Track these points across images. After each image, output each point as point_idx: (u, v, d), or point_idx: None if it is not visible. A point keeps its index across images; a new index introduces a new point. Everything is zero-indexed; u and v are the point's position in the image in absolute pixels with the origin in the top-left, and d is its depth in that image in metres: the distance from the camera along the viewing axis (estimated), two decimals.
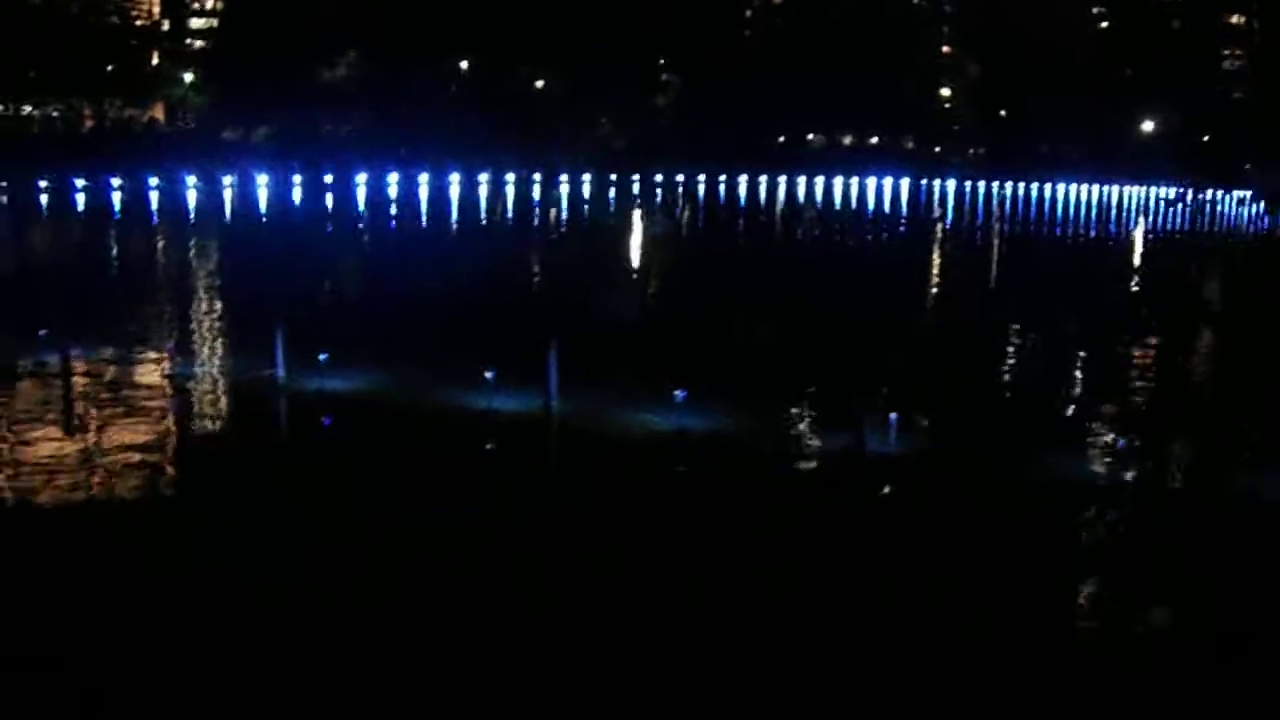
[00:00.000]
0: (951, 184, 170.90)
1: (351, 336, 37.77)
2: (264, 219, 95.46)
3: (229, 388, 33.22)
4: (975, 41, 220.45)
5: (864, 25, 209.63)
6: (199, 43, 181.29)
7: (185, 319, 44.80)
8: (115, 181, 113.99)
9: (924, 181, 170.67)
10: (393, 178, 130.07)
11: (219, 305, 49.46)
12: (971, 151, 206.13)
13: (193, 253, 70.97)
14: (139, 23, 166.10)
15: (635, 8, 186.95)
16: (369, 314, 46.08)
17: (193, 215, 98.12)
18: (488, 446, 28.24)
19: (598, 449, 27.80)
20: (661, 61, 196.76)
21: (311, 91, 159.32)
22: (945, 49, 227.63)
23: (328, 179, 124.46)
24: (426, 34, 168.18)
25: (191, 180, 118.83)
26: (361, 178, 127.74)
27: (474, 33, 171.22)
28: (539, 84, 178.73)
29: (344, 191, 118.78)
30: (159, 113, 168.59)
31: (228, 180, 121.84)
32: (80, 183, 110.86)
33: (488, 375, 30.56)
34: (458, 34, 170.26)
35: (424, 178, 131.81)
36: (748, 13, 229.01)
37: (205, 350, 38.15)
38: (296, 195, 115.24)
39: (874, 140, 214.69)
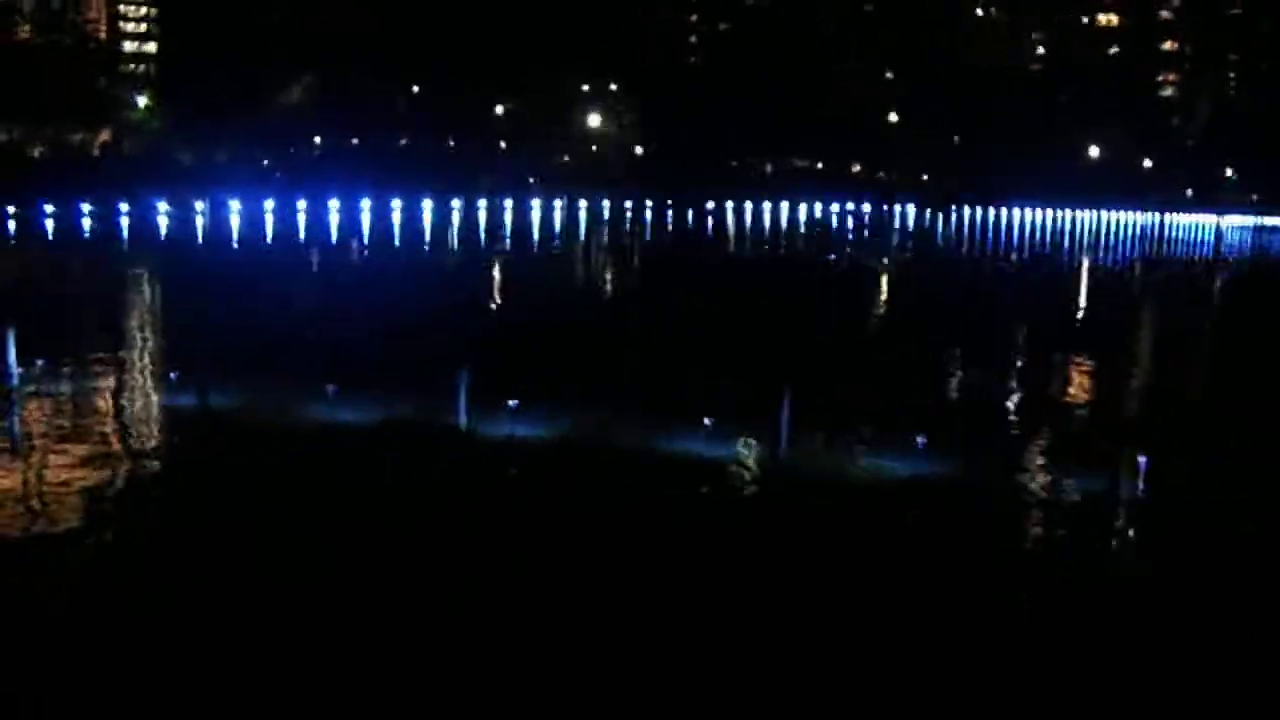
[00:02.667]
0: (911, 209, 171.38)
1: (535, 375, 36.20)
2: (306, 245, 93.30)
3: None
4: (916, 68, 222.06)
5: (810, 52, 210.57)
6: (148, 65, 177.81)
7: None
8: (85, 208, 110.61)
9: (885, 207, 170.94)
10: (366, 203, 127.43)
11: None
12: (924, 177, 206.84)
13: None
14: (91, 46, 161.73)
15: (583, 37, 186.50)
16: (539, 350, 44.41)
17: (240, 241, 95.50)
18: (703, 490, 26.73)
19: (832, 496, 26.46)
20: (613, 88, 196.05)
21: (269, 115, 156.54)
22: (889, 75, 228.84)
23: (300, 204, 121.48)
24: (382, 58, 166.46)
25: (163, 206, 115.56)
26: (334, 204, 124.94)
27: (430, 57, 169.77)
28: (499, 109, 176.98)
29: (348, 218, 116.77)
30: (106, 136, 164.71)
31: (199, 206, 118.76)
32: (49, 209, 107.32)
33: (706, 421, 29.08)
34: (414, 57, 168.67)
35: (397, 203, 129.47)
36: (692, 38, 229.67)
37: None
38: (332, 220, 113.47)
39: (819, 165, 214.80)
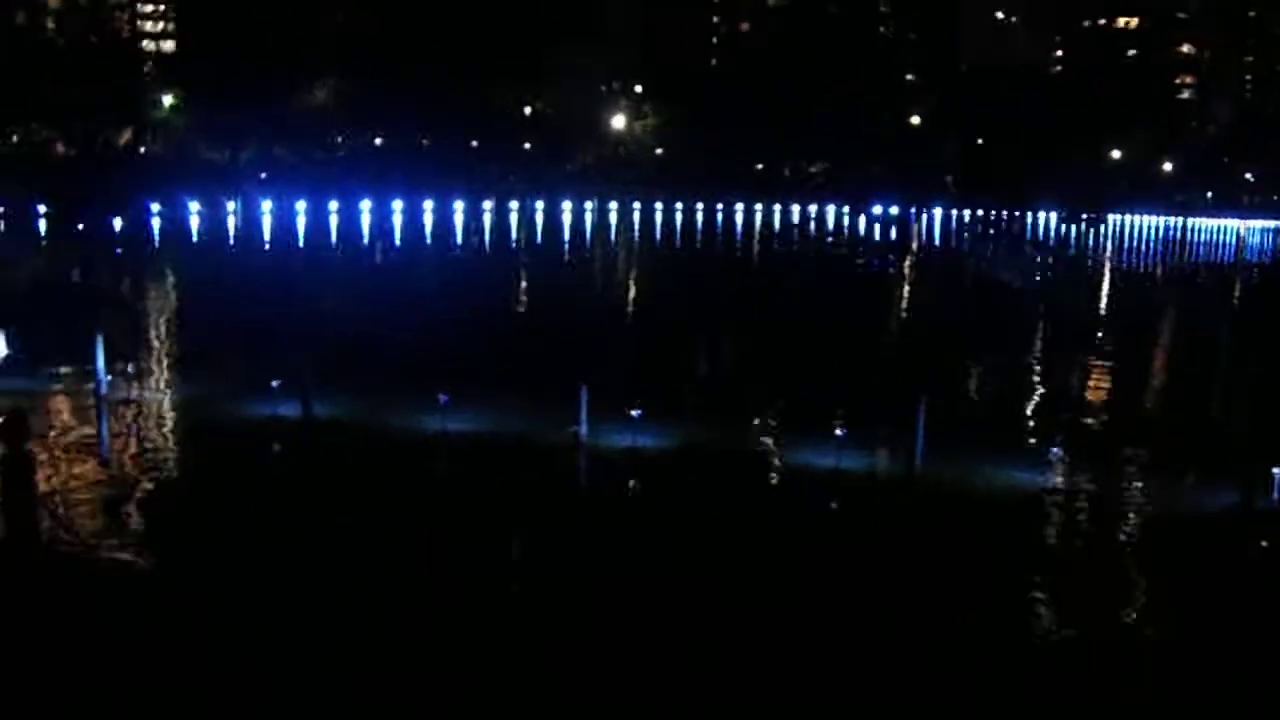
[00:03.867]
0: (938, 211, 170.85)
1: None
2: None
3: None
4: (939, 71, 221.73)
5: (831, 53, 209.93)
6: (169, 64, 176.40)
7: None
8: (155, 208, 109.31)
9: (912, 209, 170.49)
10: (397, 204, 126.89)
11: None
12: (949, 179, 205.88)
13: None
14: (117, 46, 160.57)
15: (608, 37, 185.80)
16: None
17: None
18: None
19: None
20: (639, 89, 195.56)
21: (293, 114, 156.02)
22: (909, 77, 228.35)
23: (332, 205, 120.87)
24: (405, 57, 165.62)
25: (195, 206, 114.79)
26: (366, 204, 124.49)
27: (451, 56, 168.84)
28: (527, 110, 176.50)
29: (399, 220, 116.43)
30: (128, 136, 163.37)
31: (231, 206, 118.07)
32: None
33: (838, 432, 28.71)
34: (436, 57, 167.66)
35: (429, 204, 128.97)
36: (714, 39, 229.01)
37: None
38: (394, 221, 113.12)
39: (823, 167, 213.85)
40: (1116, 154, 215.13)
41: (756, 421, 32.93)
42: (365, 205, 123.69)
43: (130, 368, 38.26)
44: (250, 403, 33.14)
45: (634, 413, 30.04)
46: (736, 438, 30.86)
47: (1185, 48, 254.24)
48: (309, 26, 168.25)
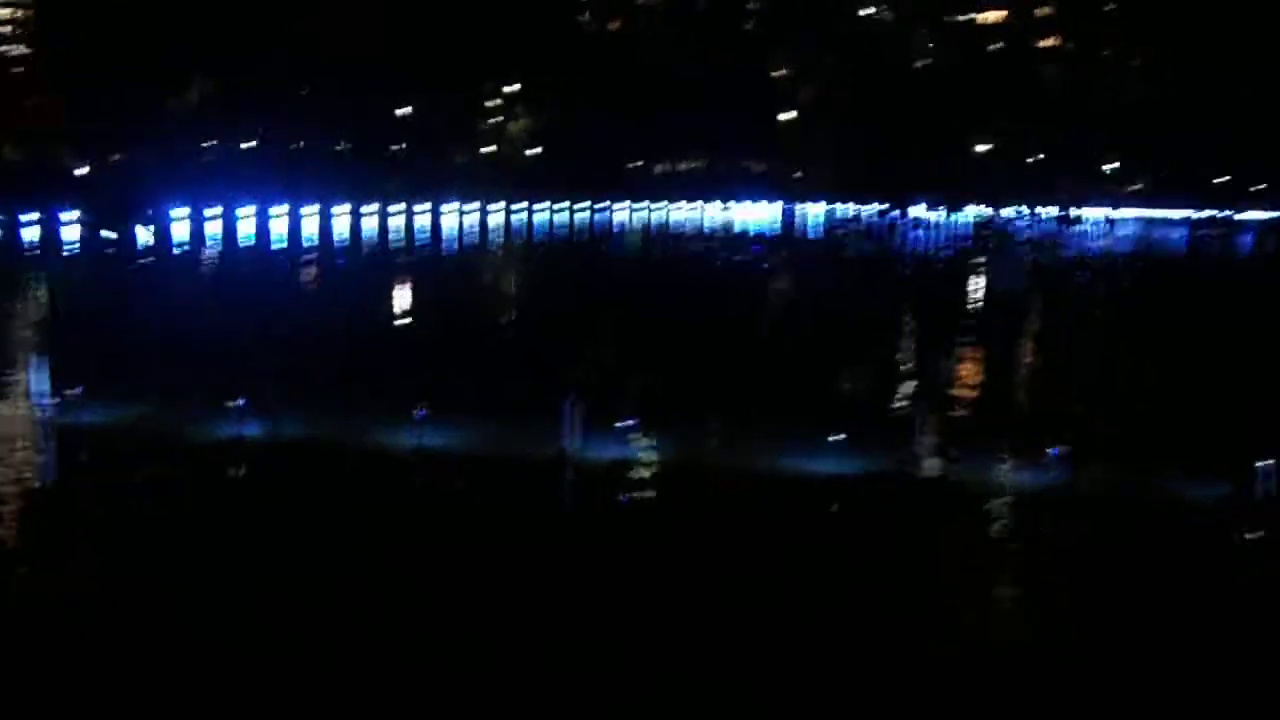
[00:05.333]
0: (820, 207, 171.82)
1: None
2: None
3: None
4: (809, 66, 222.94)
5: (701, 48, 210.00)
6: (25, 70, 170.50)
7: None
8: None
9: (793, 206, 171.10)
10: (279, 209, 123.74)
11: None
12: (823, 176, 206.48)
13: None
14: None
15: (480, 39, 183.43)
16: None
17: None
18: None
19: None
20: (508, 90, 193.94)
21: (163, 119, 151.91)
22: (781, 73, 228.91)
23: (210, 212, 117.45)
24: (277, 59, 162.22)
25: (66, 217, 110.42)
26: (245, 211, 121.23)
27: (323, 58, 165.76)
28: (398, 112, 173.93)
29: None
30: None
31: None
32: None
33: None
34: (307, 58, 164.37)
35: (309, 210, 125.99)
36: (582, 38, 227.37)
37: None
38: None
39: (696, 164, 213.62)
40: (988, 147, 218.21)
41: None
42: (244, 213, 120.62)
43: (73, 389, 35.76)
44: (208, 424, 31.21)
45: (625, 423, 28.92)
46: (736, 445, 29.87)
47: (1050, 40, 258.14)
48: (176, 25, 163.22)
